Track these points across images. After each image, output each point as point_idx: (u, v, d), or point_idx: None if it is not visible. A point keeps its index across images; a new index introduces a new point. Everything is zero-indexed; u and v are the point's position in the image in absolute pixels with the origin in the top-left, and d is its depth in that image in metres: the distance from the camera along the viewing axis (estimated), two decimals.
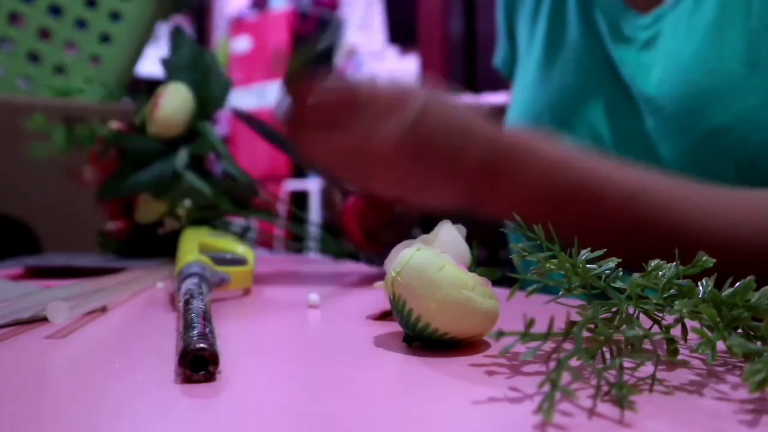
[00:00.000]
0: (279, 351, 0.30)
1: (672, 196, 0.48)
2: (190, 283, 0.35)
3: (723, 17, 0.54)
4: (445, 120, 0.50)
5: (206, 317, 0.29)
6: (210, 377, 0.25)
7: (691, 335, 0.30)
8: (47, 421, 0.21)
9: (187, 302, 0.31)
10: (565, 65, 0.65)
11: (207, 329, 0.27)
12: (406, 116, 0.49)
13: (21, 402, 0.23)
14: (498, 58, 0.80)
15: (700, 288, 0.28)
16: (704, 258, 0.28)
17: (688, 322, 0.29)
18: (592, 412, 0.21)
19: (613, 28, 0.62)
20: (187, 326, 0.27)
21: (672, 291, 0.28)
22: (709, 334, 0.25)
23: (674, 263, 0.29)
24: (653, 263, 0.29)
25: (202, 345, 0.25)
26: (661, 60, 0.58)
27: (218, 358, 0.25)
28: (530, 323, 0.24)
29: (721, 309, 0.26)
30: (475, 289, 0.29)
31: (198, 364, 0.25)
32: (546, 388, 0.21)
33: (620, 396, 0.21)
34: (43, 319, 0.34)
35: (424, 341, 0.30)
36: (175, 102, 0.58)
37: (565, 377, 0.22)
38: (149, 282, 0.48)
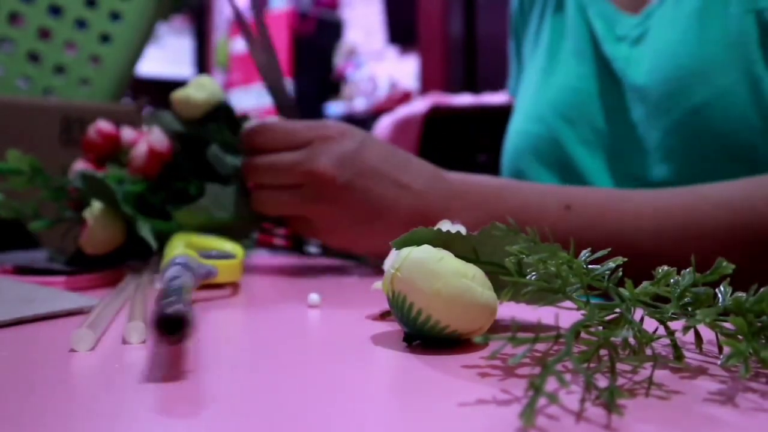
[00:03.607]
0: (279, 351, 0.30)
1: (599, 204, 0.51)
2: (172, 270, 0.35)
3: (705, 6, 0.57)
4: (385, 153, 0.54)
5: (184, 290, 0.29)
6: (182, 339, 0.25)
7: (707, 345, 0.29)
8: (40, 418, 0.21)
9: (165, 284, 0.31)
10: (566, 69, 0.69)
11: (178, 296, 0.27)
12: (347, 144, 0.53)
13: (20, 400, 0.23)
14: (510, 86, 0.84)
15: (719, 295, 0.27)
16: (723, 264, 0.27)
17: (703, 330, 0.28)
18: (579, 416, 0.21)
19: (609, 31, 0.66)
20: (161, 297, 0.28)
21: (687, 299, 0.28)
22: (739, 345, 0.24)
23: (689, 269, 0.28)
24: (662, 270, 0.28)
25: (172, 310, 0.25)
26: (650, 51, 0.61)
27: (189, 320, 0.25)
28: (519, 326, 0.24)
29: (746, 317, 0.25)
30: (475, 278, 0.29)
31: (173, 329, 0.25)
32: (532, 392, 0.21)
33: (608, 400, 0.21)
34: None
35: (424, 339, 0.31)
36: (101, 228, 0.53)
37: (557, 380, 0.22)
38: (149, 283, 0.48)
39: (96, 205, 0.53)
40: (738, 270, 0.28)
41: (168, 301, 0.26)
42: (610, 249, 0.30)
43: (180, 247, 0.44)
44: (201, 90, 0.58)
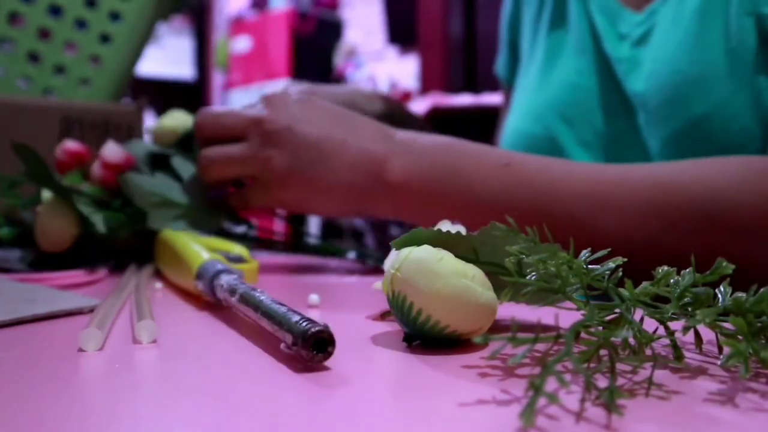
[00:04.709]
0: (279, 350, 0.30)
1: (538, 164, 0.51)
2: (230, 279, 0.36)
3: (706, 6, 0.56)
4: (328, 107, 0.55)
5: (284, 305, 0.30)
6: (328, 357, 0.27)
7: (707, 345, 0.29)
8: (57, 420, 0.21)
9: (246, 296, 0.32)
10: (566, 65, 0.67)
11: (302, 315, 0.28)
12: (290, 97, 0.55)
13: (20, 400, 0.23)
14: (499, 66, 0.83)
15: (719, 295, 0.27)
16: (723, 264, 0.27)
17: (703, 330, 0.28)
18: (579, 416, 0.21)
19: (610, 27, 0.64)
20: (280, 315, 0.28)
21: (687, 299, 0.28)
22: (739, 345, 0.24)
23: (688, 270, 0.28)
24: (662, 270, 0.28)
25: (319, 328, 0.26)
26: (651, 54, 0.60)
27: (334, 339, 0.27)
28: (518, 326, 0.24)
29: (746, 317, 0.25)
30: (475, 278, 0.29)
31: (322, 348, 0.26)
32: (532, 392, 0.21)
33: (608, 400, 0.21)
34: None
35: (424, 339, 0.31)
36: (53, 220, 0.54)
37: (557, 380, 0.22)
38: (149, 285, 0.48)
39: (45, 196, 0.54)
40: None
41: (300, 320, 0.27)
42: (610, 250, 0.30)
43: (204, 251, 0.43)
44: (173, 120, 0.64)
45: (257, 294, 0.32)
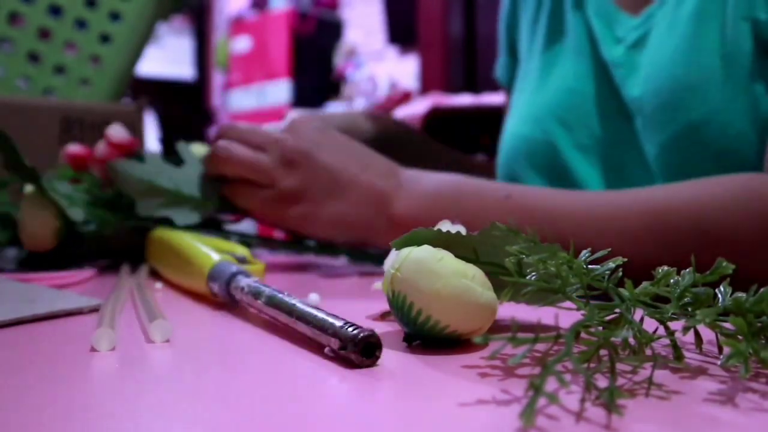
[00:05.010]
0: (279, 350, 0.30)
1: (537, 195, 0.54)
2: (251, 282, 0.36)
3: (702, 9, 0.56)
4: (345, 140, 0.58)
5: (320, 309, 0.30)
6: (375, 361, 0.27)
7: (707, 345, 0.29)
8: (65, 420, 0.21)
9: (275, 300, 0.33)
10: (563, 69, 0.67)
11: (345, 321, 0.28)
12: (313, 123, 0.57)
13: (19, 400, 0.23)
14: (498, 69, 0.83)
15: (719, 295, 0.27)
16: (723, 264, 0.27)
17: (703, 331, 0.28)
18: (579, 416, 0.21)
19: (607, 31, 0.64)
20: (321, 320, 0.29)
21: (687, 299, 0.28)
22: (739, 345, 0.24)
23: (689, 269, 0.28)
24: (662, 270, 0.28)
25: (368, 333, 0.27)
26: (647, 58, 0.60)
27: (381, 343, 0.27)
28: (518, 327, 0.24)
29: (746, 317, 0.25)
30: (475, 278, 0.30)
31: (370, 353, 0.27)
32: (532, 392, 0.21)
33: (608, 400, 0.21)
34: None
35: (424, 339, 0.31)
36: (35, 216, 0.53)
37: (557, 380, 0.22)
38: (148, 285, 0.48)
39: (27, 189, 0.53)
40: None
41: (351, 325, 0.28)
42: (609, 250, 0.30)
43: (213, 251, 0.43)
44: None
45: (286, 297, 0.33)
